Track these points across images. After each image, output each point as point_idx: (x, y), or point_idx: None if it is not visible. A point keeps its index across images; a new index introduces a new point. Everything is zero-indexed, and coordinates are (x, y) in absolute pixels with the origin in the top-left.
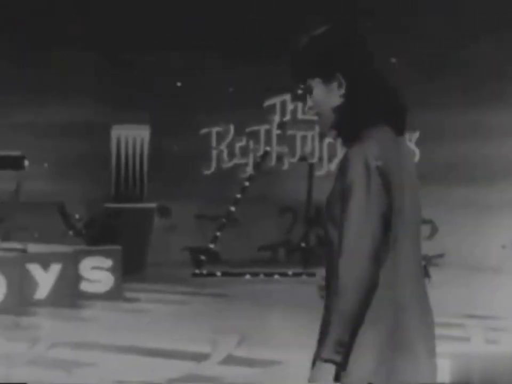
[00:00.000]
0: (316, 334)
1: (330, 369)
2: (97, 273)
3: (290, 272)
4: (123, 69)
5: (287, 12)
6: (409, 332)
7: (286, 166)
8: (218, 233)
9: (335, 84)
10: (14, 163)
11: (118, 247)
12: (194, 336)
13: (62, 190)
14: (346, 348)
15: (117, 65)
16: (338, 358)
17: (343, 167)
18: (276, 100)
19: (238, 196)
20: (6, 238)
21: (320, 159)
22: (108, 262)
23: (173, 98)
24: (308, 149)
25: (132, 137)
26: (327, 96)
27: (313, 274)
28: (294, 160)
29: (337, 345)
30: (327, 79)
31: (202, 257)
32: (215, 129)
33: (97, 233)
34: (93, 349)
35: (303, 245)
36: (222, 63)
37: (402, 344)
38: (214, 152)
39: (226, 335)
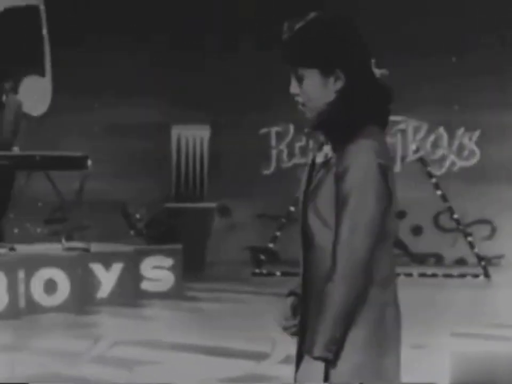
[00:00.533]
0: None
1: (320, 366)
2: (158, 272)
3: None
4: (184, 68)
5: None
6: (391, 330)
7: None
8: (278, 233)
9: (332, 78)
10: (78, 163)
11: (178, 246)
12: (254, 335)
13: (124, 190)
14: (337, 345)
15: (177, 65)
16: (330, 356)
17: (344, 164)
18: None
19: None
20: (70, 238)
21: None
22: (169, 261)
23: (233, 98)
24: None
25: (191, 137)
26: (321, 89)
27: None
28: None
29: (329, 342)
30: (325, 72)
31: (262, 257)
32: (274, 129)
33: (158, 233)
34: (154, 348)
35: None
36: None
37: (387, 342)
38: (274, 152)
39: (286, 334)
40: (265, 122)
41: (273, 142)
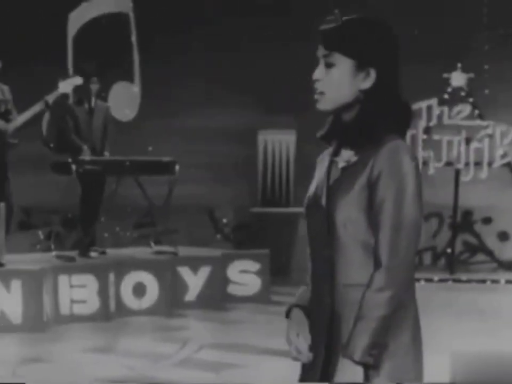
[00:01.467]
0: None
1: (359, 371)
2: (244, 276)
3: (436, 278)
4: (270, 74)
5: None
6: (420, 332)
7: (431, 171)
8: None
9: (362, 74)
10: (166, 168)
11: (266, 251)
12: None
13: (211, 194)
14: (380, 350)
15: (264, 71)
16: (371, 360)
17: (384, 164)
18: (422, 105)
19: None
20: (158, 242)
21: (467, 164)
22: (256, 266)
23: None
24: (454, 154)
25: (278, 141)
26: (347, 81)
27: (459, 281)
28: (440, 165)
29: (371, 347)
30: (359, 65)
31: None
32: None
33: (245, 237)
34: (240, 351)
35: (448, 250)
36: None
37: (421, 345)
38: None
39: None
40: None
41: None
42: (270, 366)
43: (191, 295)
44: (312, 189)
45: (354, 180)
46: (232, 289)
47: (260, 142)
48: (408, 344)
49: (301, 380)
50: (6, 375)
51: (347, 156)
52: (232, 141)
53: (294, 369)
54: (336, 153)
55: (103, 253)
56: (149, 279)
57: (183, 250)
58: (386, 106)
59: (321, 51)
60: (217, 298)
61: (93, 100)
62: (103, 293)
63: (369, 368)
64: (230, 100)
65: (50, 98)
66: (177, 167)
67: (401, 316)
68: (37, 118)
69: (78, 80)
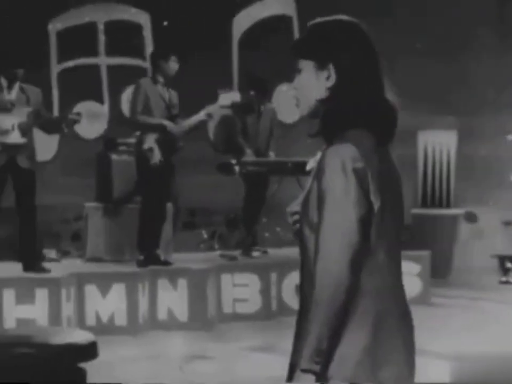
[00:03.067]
0: None
1: (310, 379)
2: (406, 278)
3: None
4: (430, 74)
5: None
6: (389, 342)
7: None
8: None
9: (324, 73)
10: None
11: (426, 252)
12: None
13: None
14: (324, 357)
15: (412, 70)
16: (316, 368)
17: (320, 168)
18: None
19: None
20: None
21: None
22: (417, 268)
23: (480, 102)
24: None
25: (438, 142)
26: (314, 82)
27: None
28: None
29: (314, 354)
30: (319, 66)
31: (510, 265)
32: None
33: (406, 239)
34: None
35: None
36: None
37: (384, 354)
38: None
39: None
40: None
41: None
42: (430, 368)
43: None
44: None
45: (313, 181)
46: None
47: (420, 143)
48: (365, 349)
49: None
50: (173, 371)
51: (317, 158)
52: (393, 142)
53: (457, 371)
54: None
55: (265, 252)
56: None
57: None
58: (350, 103)
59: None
60: None
61: (262, 106)
62: (265, 292)
63: (318, 375)
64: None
65: (212, 110)
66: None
67: (354, 321)
68: (199, 125)
69: (237, 97)
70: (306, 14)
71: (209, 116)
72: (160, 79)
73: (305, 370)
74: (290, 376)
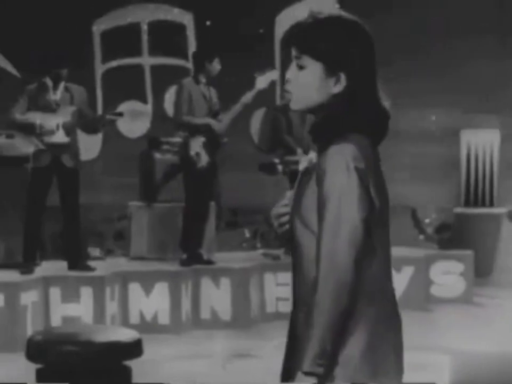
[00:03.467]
0: None
1: (312, 382)
2: (448, 277)
3: None
4: (472, 73)
5: None
6: (386, 346)
7: None
8: None
9: (333, 79)
10: None
11: (470, 252)
12: None
13: (414, 195)
14: (329, 360)
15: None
16: (320, 371)
17: (322, 167)
18: None
19: None
20: None
21: None
22: (460, 267)
23: None
24: None
25: (481, 141)
26: (317, 85)
27: None
28: None
29: (318, 357)
30: (329, 70)
31: None
32: None
33: (448, 238)
34: (442, 353)
35: None
36: None
37: (382, 359)
38: None
39: None
40: None
41: None
42: (473, 368)
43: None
44: None
45: (309, 181)
46: (435, 290)
47: (462, 142)
48: (363, 352)
49: None
50: (216, 370)
51: (310, 158)
52: (435, 141)
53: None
54: (306, 155)
55: None
56: None
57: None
58: (355, 110)
59: (293, 51)
60: (420, 299)
61: None
62: None
63: (321, 378)
64: (433, 101)
65: (250, 97)
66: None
67: (354, 323)
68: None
69: (275, 75)
70: (348, 12)
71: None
72: (203, 79)
73: (308, 373)
74: (285, 378)
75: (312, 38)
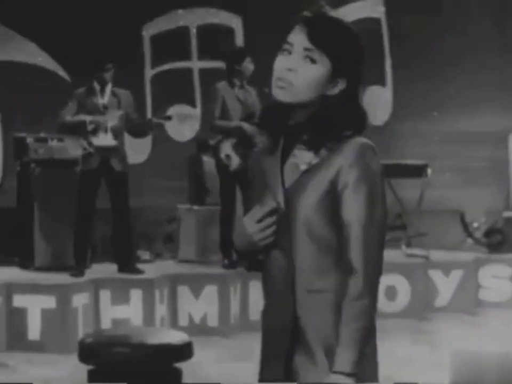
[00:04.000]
0: None
1: (353, 381)
2: (497, 281)
3: None
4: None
5: None
6: (375, 344)
7: None
8: None
9: (334, 81)
10: (418, 171)
11: None
12: None
13: (462, 198)
14: (362, 360)
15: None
16: (356, 371)
17: (361, 161)
18: None
19: None
20: (409, 245)
21: None
22: (509, 271)
23: None
24: None
25: None
26: (320, 83)
27: None
28: None
29: (359, 358)
30: (335, 73)
31: None
32: None
33: (496, 242)
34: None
35: None
36: None
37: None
38: None
39: None
40: None
41: None
42: None
43: (442, 298)
44: (257, 189)
45: (317, 182)
46: (483, 294)
47: (510, 145)
48: (372, 351)
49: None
50: None
51: (307, 157)
52: (484, 144)
53: None
54: (286, 153)
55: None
56: (401, 282)
57: (434, 254)
58: (347, 110)
59: (303, 42)
60: (468, 303)
61: None
62: None
63: (356, 379)
64: (482, 103)
65: None
66: (429, 171)
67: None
68: None
69: None
70: (394, 15)
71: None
72: (237, 82)
73: (351, 375)
74: (288, 374)
75: (333, 36)
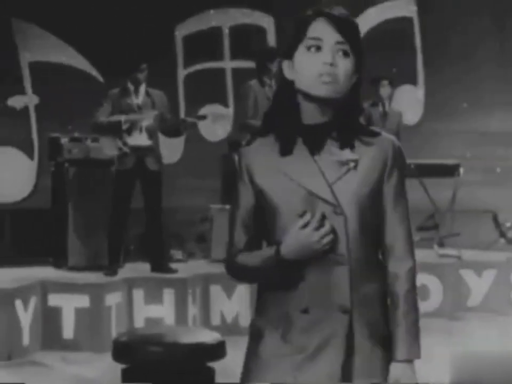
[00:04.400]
0: None
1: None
2: None
3: None
4: None
5: None
6: None
7: None
8: None
9: (353, 77)
10: (450, 171)
11: None
12: None
13: (495, 198)
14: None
15: None
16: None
17: (400, 159)
18: None
19: None
20: (441, 245)
21: None
22: None
23: None
24: None
25: None
26: (352, 75)
27: None
28: None
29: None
30: (357, 63)
31: None
32: None
33: None
34: None
35: None
36: None
37: None
38: None
39: None
40: None
41: None
42: None
43: (474, 299)
44: (288, 191)
45: (363, 178)
46: None
47: None
48: None
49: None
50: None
51: (345, 153)
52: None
53: None
54: (317, 149)
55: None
56: (433, 282)
57: (466, 254)
58: (361, 106)
59: (333, 36)
60: (501, 303)
61: (386, 104)
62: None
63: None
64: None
65: None
66: (461, 170)
67: None
68: None
69: None
70: (426, 15)
71: None
72: (267, 80)
73: (410, 361)
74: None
75: (355, 30)
